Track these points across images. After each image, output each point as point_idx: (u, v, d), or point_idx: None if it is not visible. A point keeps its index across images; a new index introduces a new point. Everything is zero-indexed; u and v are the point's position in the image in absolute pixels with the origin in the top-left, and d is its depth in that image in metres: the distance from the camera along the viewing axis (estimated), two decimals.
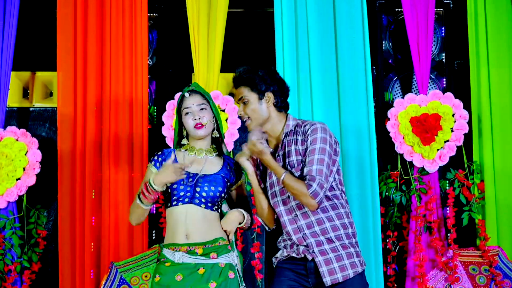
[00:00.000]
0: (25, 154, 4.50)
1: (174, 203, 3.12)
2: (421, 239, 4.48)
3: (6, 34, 4.57)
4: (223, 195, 3.15)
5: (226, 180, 3.17)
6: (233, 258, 3.12)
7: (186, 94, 3.20)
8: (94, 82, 4.59)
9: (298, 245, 3.12)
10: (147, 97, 4.63)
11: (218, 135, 3.26)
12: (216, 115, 3.23)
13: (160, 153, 3.22)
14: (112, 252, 4.44)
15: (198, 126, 3.16)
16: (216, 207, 3.15)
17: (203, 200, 3.10)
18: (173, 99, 4.57)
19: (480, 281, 4.41)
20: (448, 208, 4.54)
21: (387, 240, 4.53)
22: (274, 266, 3.23)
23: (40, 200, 4.59)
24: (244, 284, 3.13)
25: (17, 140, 4.51)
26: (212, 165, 3.20)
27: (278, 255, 3.22)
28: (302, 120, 3.24)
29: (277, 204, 3.17)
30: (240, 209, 3.20)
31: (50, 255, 4.59)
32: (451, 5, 4.96)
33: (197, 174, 3.14)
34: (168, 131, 4.54)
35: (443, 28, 4.99)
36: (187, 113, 3.17)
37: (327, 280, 3.03)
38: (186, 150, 3.22)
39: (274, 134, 3.21)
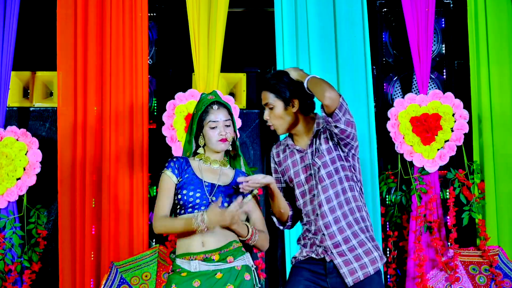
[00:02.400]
0: (25, 154, 4.50)
1: (190, 210, 3.09)
2: (421, 239, 4.48)
3: (6, 34, 4.57)
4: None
5: (237, 190, 3.16)
6: (249, 259, 3.13)
7: (215, 107, 3.19)
8: (94, 82, 4.59)
9: (318, 246, 3.13)
10: (147, 97, 4.63)
11: (231, 149, 3.26)
12: (235, 130, 3.25)
13: (175, 159, 3.18)
14: (112, 252, 4.44)
15: (222, 140, 3.15)
16: None
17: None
18: (173, 99, 4.57)
19: (480, 281, 4.41)
20: (448, 208, 4.55)
21: (388, 240, 4.54)
22: (292, 265, 3.24)
23: (40, 200, 4.59)
24: (260, 285, 3.13)
25: (17, 140, 4.51)
26: (226, 176, 3.19)
27: (297, 254, 3.23)
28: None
29: (306, 203, 3.18)
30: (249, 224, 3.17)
31: (50, 255, 4.59)
32: (451, 5, 4.96)
33: (214, 184, 3.14)
34: (168, 131, 4.54)
35: (443, 28, 4.99)
36: (213, 127, 3.16)
37: (349, 280, 3.06)
38: (200, 159, 3.21)
39: (303, 134, 3.22)
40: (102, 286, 4.26)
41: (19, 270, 4.45)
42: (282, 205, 3.22)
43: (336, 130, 3.05)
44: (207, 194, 3.11)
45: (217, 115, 3.16)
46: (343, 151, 3.15)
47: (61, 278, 4.45)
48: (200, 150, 3.21)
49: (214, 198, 3.09)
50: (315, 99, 3.20)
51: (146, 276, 4.32)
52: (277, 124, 3.19)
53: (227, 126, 3.17)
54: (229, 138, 3.17)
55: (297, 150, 3.21)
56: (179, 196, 3.11)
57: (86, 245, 4.45)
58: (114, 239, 4.46)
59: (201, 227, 2.99)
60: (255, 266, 3.14)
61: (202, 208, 3.07)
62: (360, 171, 3.22)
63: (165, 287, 3.08)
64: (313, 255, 3.14)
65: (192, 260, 3.06)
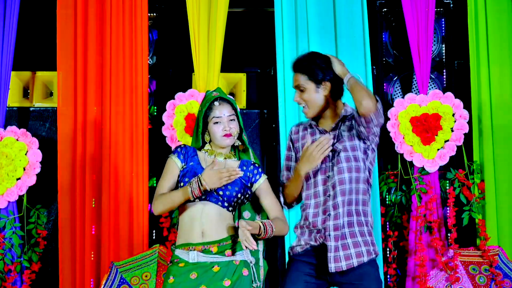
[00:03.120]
0: (25, 154, 4.50)
1: (192, 199, 3.10)
2: (421, 239, 4.48)
3: (6, 34, 4.57)
4: (239, 195, 3.13)
5: (243, 181, 3.16)
6: (248, 254, 3.10)
7: (216, 103, 3.19)
8: (94, 82, 4.59)
9: (317, 229, 3.11)
10: (147, 97, 4.63)
11: (240, 143, 3.26)
12: (241, 125, 3.24)
13: (182, 146, 3.20)
14: (112, 252, 4.44)
15: (227, 135, 3.15)
16: (231, 208, 3.13)
17: (220, 199, 3.09)
18: (173, 99, 4.57)
19: (480, 281, 4.41)
20: (448, 208, 4.55)
21: (388, 240, 4.53)
22: (289, 256, 3.21)
23: (40, 200, 4.59)
24: (259, 282, 3.11)
25: (17, 140, 4.51)
26: (231, 167, 3.18)
27: (294, 244, 3.20)
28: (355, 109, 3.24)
29: (317, 183, 3.16)
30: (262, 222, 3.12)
31: (50, 255, 4.59)
32: (451, 5, 4.96)
33: None
34: (168, 131, 4.54)
35: (443, 28, 4.99)
36: (216, 123, 3.16)
37: (331, 266, 3.04)
38: (206, 152, 3.22)
39: (329, 118, 3.21)
40: (102, 286, 4.26)
41: (19, 270, 4.45)
42: (298, 190, 3.20)
43: (362, 129, 3.08)
44: None
45: (220, 111, 3.16)
46: (364, 143, 3.15)
47: (61, 278, 4.45)
48: (207, 147, 3.22)
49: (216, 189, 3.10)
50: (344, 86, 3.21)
51: (146, 276, 4.32)
52: (309, 106, 3.17)
53: (232, 120, 3.17)
54: (233, 133, 3.16)
55: (319, 130, 3.19)
56: (182, 184, 3.11)
57: (86, 245, 4.45)
58: (114, 239, 4.46)
59: (197, 192, 2.99)
60: (254, 262, 3.12)
61: (203, 197, 3.07)
62: (372, 175, 3.24)
63: (164, 277, 3.09)
64: (312, 242, 3.12)
65: (191, 250, 3.05)
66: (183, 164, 3.16)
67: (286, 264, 3.31)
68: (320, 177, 3.16)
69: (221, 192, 3.09)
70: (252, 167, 3.19)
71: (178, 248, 3.10)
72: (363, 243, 3.09)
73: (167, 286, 3.03)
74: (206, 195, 3.07)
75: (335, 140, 3.13)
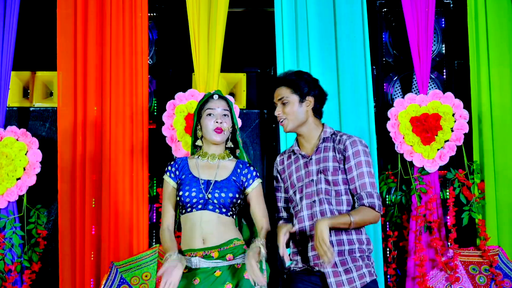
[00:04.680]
0: (25, 154, 4.50)
1: (189, 209, 3.14)
2: (421, 239, 4.48)
3: (6, 34, 4.57)
4: (234, 200, 3.15)
5: (237, 184, 3.17)
6: None
7: (215, 97, 3.21)
8: (94, 82, 4.59)
9: (308, 255, 3.12)
10: (147, 97, 4.63)
11: (232, 146, 3.27)
12: (236, 125, 3.25)
13: (173, 162, 3.26)
14: (112, 252, 4.43)
15: (218, 130, 3.18)
16: (231, 212, 3.15)
17: (216, 206, 3.12)
18: (173, 99, 4.57)
19: (480, 281, 4.41)
20: (448, 208, 4.55)
21: (388, 240, 4.54)
22: (288, 273, 3.22)
23: (40, 200, 4.59)
24: (260, 285, 3.10)
25: (17, 140, 4.51)
26: (225, 169, 3.22)
27: (292, 266, 3.21)
28: (336, 130, 3.29)
29: (302, 209, 3.16)
30: (258, 243, 3.12)
31: (50, 255, 4.59)
32: (451, 5, 4.96)
33: (210, 180, 3.16)
34: (168, 131, 4.54)
35: (443, 28, 4.99)
36: (209, 114, 3.19)
37: None
38: (199, 156, 3.23)
39: (309, 138, 3.24)
40: (102, 286, 4.26)
41: (19, 270, 4.45)
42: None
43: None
44: (203, 191, 3.13)
45: (215, 104, 3.21)
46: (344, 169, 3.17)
47: (61, 278, 4.45)
48: (199, 142, 3.23)
49: (210, 196, 3.12)
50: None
51: (146, 276, 4.32)
52: (289, 119, 3.20)
53: (225, 116, 3.19)
54: (224, 128, 3.19)
55: (301, 155, 3.23)
56: (178, 198, 3.17)
57: (86, 245, 4.45)
58: (114, 239, 4.46)
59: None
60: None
61: (199, 207, 3.09)
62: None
63: None
64: (301, 266, 3.15)
65: (193, 256, 3.09)
66: (177, 180, 3.23)
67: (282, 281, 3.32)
68: (305, 202, 3.16)
69: (215, 201, 3.09)
70: (246, 170, 3.21)
71: (182, 254, 3.14)
72: (355, 268, 3.09)
73: None
74: (204, 204, 3.08)
75: (317, 164, 3.15)
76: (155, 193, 4.64)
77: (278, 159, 3.37)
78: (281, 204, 3.34)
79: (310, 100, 3.20)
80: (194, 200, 3.12)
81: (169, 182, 3.22)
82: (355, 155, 3.11)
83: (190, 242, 3.12)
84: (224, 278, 3.05)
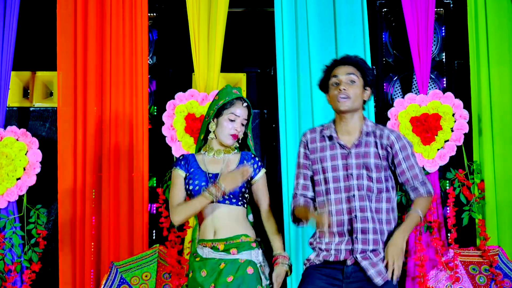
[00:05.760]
0: (25, 154, 4.50)
1: None
2: (421, 239, 4.48)
3: (6, 34, 4.57)
4: (243, 189, 3.20)
5: None
6: (257, 256, 3.16)
7: (244, 104, 3.23)
8: (94, 82, 4.59)
9: (340, 249, 3.06)
10: (147, 97, 4.63)
11: (237, 145, 3.30)
12: (250, 132, 3.31)
13: (182, 157, 3.29)
14: (112, 252, 4.45)
15: (234, 136, 3.22)
16: (241, 202, 3.19)
17: (225, 197, 3.15)
18: (173, 99, 4.57)
19: (480, 281, 4.41)
20: (448, 208, 4.54)
21: None
22: (305, 267, 3.16)
23: (40, 200, 4.59)
24: (268, 282, 3.16)
25: (17, 140, 4.51)
26: (231, 162, 3.24)
27: (311, 257, 3.14)
28: (373, 122, 3.23)
29: (340, 201, 3.08)
30: (284, 262, 3.22)
31: (50, 255, 4.59)
32: (451, 5, 4.96)
33: (217, 173, 3.19)
34: (168, 131, 4.53)
35: (443, 28, 4.99)
36: (231, 119, 3.20)
37: (378, 280, 2.99)
38: (205, 152, 3.25)
39: (352, 128, 3.13)
40: (102, 286, 4.26)
41: (19, 270, 4.45)
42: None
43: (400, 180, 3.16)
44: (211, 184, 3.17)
45: (241, 111, 3.22)
46: (388, 164, 3.13)
47: (61, 278, 4.45)
48: (211, 135, 3.24)
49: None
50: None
51: (146, 276, 4.32)
52: (352, 99, 3.08)
53: (243, 125, 3.24)
54: (239, 136, 3.24)
55: (340, 145, 3.11)
56: (190, 187, 3.19)
57: (86, 245, 4.45)
58: (114, 239, 4.46)
59: (219, 195, 3.09)
60: (261, 264, 3.16)
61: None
62: (395, 191, 3.22)
63: (188, 271, 3.24)
64: (331, 259, 3.06)
65: (204, 246, 3.17)
66: (186, 172, 3.24)
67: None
68: (343, 195, 3.08)
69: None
70: (252, 161, 3.25)
71: (198, 243, 3.23)
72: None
73: (189, 279, 3.19)
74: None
75: (357, 158, 3.09)
76: (155, 193, 4.63)
77: (309, 136, 3.19)
78: (302, 181, 3.19)
79: (369, 90, 3.14)
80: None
81: (178, 172, 3.24)
82: (402, 149, 3.09)
83: (204, 232, 3.20)
84: (227, 270, 3.10)
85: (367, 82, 3.12)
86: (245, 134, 3.32)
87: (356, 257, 3.02)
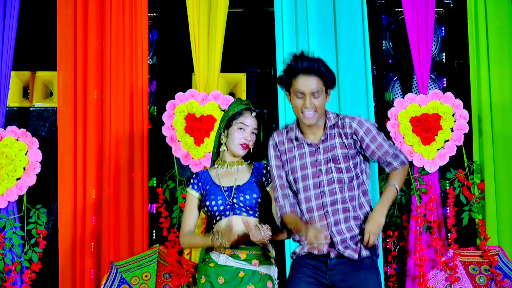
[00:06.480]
0: (25, 154, 4.50)
1: (218, 218, 3.19)
2: (421, 239, 4.48)
3: (6, 34, 4.57)
4: (260, 200, 3.19)
5: (258, 184, 3.20)
6: (274, 272, 3.19)
7: (253, 114, 3.25)
8: (94, 82, 4.59)
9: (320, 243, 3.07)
10: (147, 97, 4.63)
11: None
12: (262, 139, 3.31)
13: (195, 175, 3.29)
14: (112, 252, 4.44)
15: (244, 146, 3.22)
16: (258, 213, 3.19)
17: (243, 209, 3.16)
18: (173, 99, 4.57)
19: (480, 281, 4.41)
20: (448, 208, 4.55)
21: (388, 240, 4.53)
22: (292, 260, 3.21)
23: (40, 200, 4.59)
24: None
25: (17, 140, 4.51)
26: (244, 173, 3.25)
27: (297, 250, 3.19)
28: (334, 112, 3.19)
29: (310, 199, 3.11)
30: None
31: (50, 255, 4.59)
32: (451, 5, 4.96)
33: (232, 186, 3.20)
34: (168, 131, 4.54)
35: (443, 28, 4.99)
36: (241, 128, 3.21)
37: (355, 256, 3.06)
38: (218, 165, 3.26)
39: (317, 128, 3.13)
40: (102, 286, 4.26)
41: (19, 270, 4.45)
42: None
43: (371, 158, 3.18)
44: (227, 198, 3.18)
45: (250, 120, 3.24)
46: (357, 150, 3.13)
47: (61, 278, 4.45)
48: (223, 147, 3.25)
49: (235, 200, 3.16)
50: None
51: (146, 276, 4.32)
52: (319, 113, 3.06)
53: (253, 134, 3.24)
54: (250, 146, 3.23)
55: (307, 143, 3.12)
56: (207, 203, 3.20)
57: (86, 245, 4.45)
58: (114, 239, 4.46)
59: (217, 244, 3.11)
60: (278, 281, 3.19)
61: (228, 213, 3.16)
62: (368, 173, 3.24)
63: (197, 275, 3.21)
64: (315, 252, 3.10)
65: (221, 253, 3.14)
66: (200, 192, 3.25)
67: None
68: (312, 192, 3.11)
69: (241, 204, 3.14)
70: (265, 170, 3.26)
71: (212, 249, 3.18)
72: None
73: (199, 285, 3.15)
74: (231, 209, 3.15)
75: (325, 153, 3.11)
76: (155, 193, 4.63)
77: (277, 138, 3.20)
78: (282, 182, 3.18)
79: (330, 89, 3.11)
80: (222, 208, 3.17)
81: (192, 193, 3.26)
82: (366, 133, 3.10)
83: None
84: (247, 279, 3.10)
85: (329, 85, 3.09)
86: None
87: (339, 249, 3.06)
